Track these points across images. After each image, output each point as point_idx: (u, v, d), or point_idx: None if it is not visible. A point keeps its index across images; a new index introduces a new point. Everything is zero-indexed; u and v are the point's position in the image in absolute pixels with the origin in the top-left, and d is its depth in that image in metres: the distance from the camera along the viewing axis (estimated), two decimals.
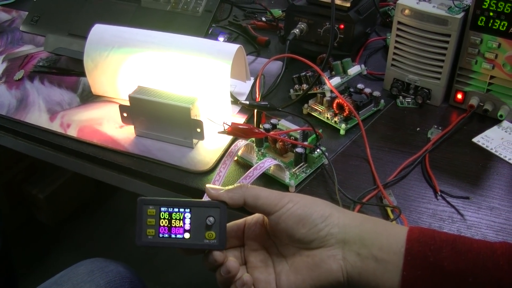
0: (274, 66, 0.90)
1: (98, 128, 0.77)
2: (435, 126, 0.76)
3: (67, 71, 0.92)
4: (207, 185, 0.50)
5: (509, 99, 0.76)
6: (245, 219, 0.53)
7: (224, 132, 0.66)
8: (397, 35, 0.80)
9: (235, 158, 0.70)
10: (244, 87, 0.84)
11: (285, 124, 0.71)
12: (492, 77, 0.76)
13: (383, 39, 0.99)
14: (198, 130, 0.71)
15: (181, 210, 0.48)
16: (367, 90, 0.79)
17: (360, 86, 0.79)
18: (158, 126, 0.73)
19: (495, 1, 0.70)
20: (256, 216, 0.53)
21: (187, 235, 0.48)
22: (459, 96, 0.80)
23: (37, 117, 0.81)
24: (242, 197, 0.48)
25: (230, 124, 0.66)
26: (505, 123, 0.76)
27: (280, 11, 1.09)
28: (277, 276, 0.49)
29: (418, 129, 0.77)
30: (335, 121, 0.76)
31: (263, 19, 1.06)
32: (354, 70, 0.80)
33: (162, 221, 0.48)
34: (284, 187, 0.66)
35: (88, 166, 0.75)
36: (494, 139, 0.74)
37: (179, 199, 0.49)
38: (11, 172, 1.48)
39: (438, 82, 0.80)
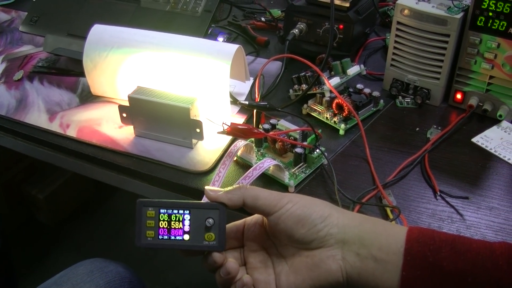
0: (274, 66, 0.90)
1: (98, 129, 0.77)
2: (435, 126, 0.76)
3: (67, 71, 0.92)
4: (206, 187, 0.50)
5: (508, 99, 0.76)
6: (245, 220, 0.53)
7: (223, 132, 0.66)
8: (397, 35, 0.80)
9: (235, 158, 0.70)
10: (243, 87, 0.84)
11: (284, 124, 0.71)
12: (491, 77, 0.76)
13: (383, 39, 0.99)
14: (198, 130, 0.71)
15: (180, 211, 0.49)
16: (367, 90, 0.79)
17: (359, 86, 0.79)
18: (157, 126, 0.73)
19: (494, 1, 0.70)
20: (256, 216, 0.53)
21: (186, 237, 0.48)
22: (459, 96, 0.80)
23: (37, 117, 0.81)
24: (241, 198, 0.48)
25: (229, 124, 0.66)
26: (504, 123, 0.76)
27: (280, 11, 1.09)
28: (277, 277, 0.49)
29: (417, 129, 0.77)
30: (335, 121, 0.76)
31: (263, 19, 1.06)
32: (353, 70, 0.80)
33: (161, 223, 0.48)
34: (284, 187, 0.66)
35: (87, 167, 0.75)
36: (494, 139, 0.74)
37: (178, 201, 0.49)
38: (11, 173, 1.48)
39: (437, 82, 0.80)
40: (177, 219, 0.48)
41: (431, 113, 0.80)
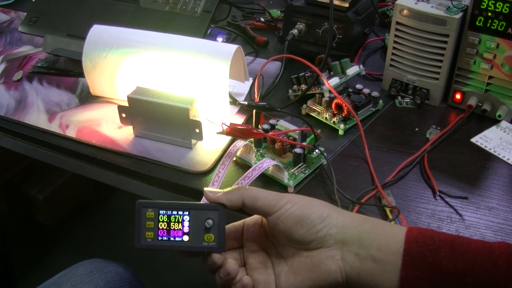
0: (273, 66, 0.90)
1: (97, 129, 0.77)
2: (434, 126, 0.76)
3: (66, 71, 0.92)
4: (205, 188, 0.50)
5: (507, 99, 0.76)
6: (244, 221, 0.53)
7: (222, 132, 0.66)
8: (396, 36, 0.80)
9: (234, 158, 0.70)
10: (242, 88, 0.84)
11: (283, 124, 0.71)
12: (490, 77, 0.76)
13: (382, 40, 0.99)
14: (197, 130, 0.71)
15: (180, 213, 0.49)
16: (366, 91, 0.79)
17: (358, 86, 0.79)
18: (156, 126, 0.73)
19: (493, 1, 0.70)
20: (255, 217, 0.53)
21: (186, 238, 0.48)
22: (458, 96, 0.80)
23: (36, 117, 0.81)
24: (240, 198, 0.48)
25: (228, 125, 0.66)
26: (503, 123, 0.77)
27: (279, 12, 1.09)
28: (277, 277, 0.49)
29: (416, 129, 0.77)
30: (334, 122, 0.76)
31: (262, 19, 1.06)
32: (352, 70, 0.80)
33: (160, 224, 0.48)
34: (283, 188, 0.66)
35: (87, 167, 0.75)
36: (493, 139, 0.74)
37: (178, 202, 0.49)
38: (10, 173, 1.48)
39: (436, 82, 0.80)
40: (176, 220, 0.48)
41: (430, 113, 0.80)
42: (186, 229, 0.48)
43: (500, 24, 0.71)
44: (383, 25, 1.03)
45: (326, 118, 0.78)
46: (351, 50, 0.92)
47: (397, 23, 0.79)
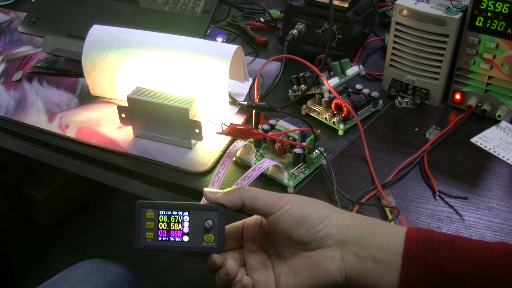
0: (273, 66, 0.90)
1: (97, 129, 0.77)
2: (434, 127, 0.76)
3: (66, 72, 0.92)
4: (205, 189, 0.50)
5: (507, 99, 0.76)
6: (244, 221, 0.53)
7: (222, 132, 0.66)
8: (395, 36, 0.80)
9: (234, 159, 0.70)
10: (242, 88, 0.84)
11: (283, 124, 0.71)
12: (490, 77, 0.76)
13: (381, 40, 0.99)
14: (197, 130, 0.71)
15: (180, 213, 0.49)
16: (366, 91, 0.79)
17: (358, 86, 0.79)
18: (156, 127, 0.73)
19: (493, 2, 0.70)
20: (255, 217, 0.53)
21: (185, 238, 0.48)
22: (457, 96, 0.80)
23: (36, 118, 0.81)
24: (240, 199, 0.48)
25: (228, 125, 0.66)
26: (503, 124, 0.77)
27: (279, 12, 1.09)
28: (277, 278, 0.49)
29: (416, 129, 0.77)
30: (334, 122, 0.76)
31: (262, 19, 1.06)
32: (352, 70, 0.80)
33: (160, 225, 0.48)
34: (283, 188, 0.66)
35: (86, 167, 0.75)
36: (492, 139, 0.74)
37: (177, 202, 0.49)
38: (10, 173, 1.48)
39: (436, 83, 0.80)
40: (176, 221, 0.48)
41: (430, 113, 0.81)
42: (186, 230, 0.48)
43: (500, 24, 0.71)
44: (382, 25, 1.03)
45: (326, 118, 0.78)
46: (351, 50, 0.92)
47: (397, 23, 0.79)
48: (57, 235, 1.55)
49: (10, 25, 1.10)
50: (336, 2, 0.87)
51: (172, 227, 0.48)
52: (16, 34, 1.05)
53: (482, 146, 0.73)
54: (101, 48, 0.79)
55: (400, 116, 0.80)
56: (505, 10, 0.70)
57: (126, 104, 0.73)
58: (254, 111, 0.74)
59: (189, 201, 0.66)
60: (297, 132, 0.69)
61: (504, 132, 0.75)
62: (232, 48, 0.75)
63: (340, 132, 0.75)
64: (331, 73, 0.80)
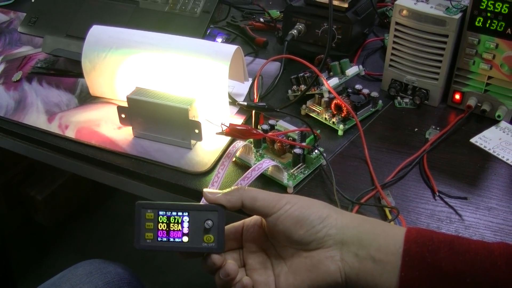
0: (272, 67, 0.90)
1: (96, 129, 0.77)
2: (433, 127, 0.76)
3: (65, 72, 0.92)
4: (205, 189, 0.50)
5: (506, 99, 0.76)
6: (243, 221, 0.53)
7: (222, 133, 0.66)
8: (395, 36, 0.80)
9: (233, 159, 0.70)
10: (242, 88, 0.84)
11: (283, 125, 0.71)
12: (489, 77, 0.76)
13: (381, 40, 0.99)
14: (196, 131, 0.71)
15: (179, 213, 0.49)
16: (365, 91, 0.79)
17: (358, 86, 0.79)
18: (156, 127, 0.73)
19: (492, 2, 0.71)
20: (254, 218, 0.53)
21: (185, 239, 0.48)
22: (457, 96, 0.80)
23: (35, 118, 0.81)
24: (239, 199, 0.48)
25: (228, 125, 0.66)
26: (503, 124, 0.77)
27: (278, 12, 1.09)
28: (276, 278, 0.49)
29: (416, 129, 0.77)
30: (333, 122, 0.76)
31: (261, 20, 1.06)
32: (352, 70, 0.80)
33: (160, 225, 0.48)
34: (282, 188, 0.66)
35: (86, 167, 0.75)
36: (492, 139, 0.74)
37: (177, 203, 0.49)
38: (9, 174, 1.48)
39: (436, 83, 0.80)
40: (176, 221, 0.48)
41: (429, 113, 0.81)
42: (185, 230, 0.48)
43: (500, 25, 0.71)
44: (382, 25, 1.03)
45: (325, 118, 0.78)
46: (351, 51, 0.92)
47: (397, 23, 0.79)
48: (57, 235, 1.55)
49: (10, 26, 1.10)
50: (335, 2, 0.87)
51: (171, 227, 0.48)
52: (15, 35, 1.05)
53: (482, 146, 0.73)
54: (101, 49, 0.79)
55: (399, 116, 0.80)
56: (504, 10, 0.70)
57: (125, 104, 0.73)
58: (253, 112, 0.74)
59: (189, 201, 0.67)
60: (296, 132, 0.69)
61: (503, 132, 0.75)
62: (232, 48, 0.75)
63: (340, 132, 0.75)
64: (331, 73, 0.80)
